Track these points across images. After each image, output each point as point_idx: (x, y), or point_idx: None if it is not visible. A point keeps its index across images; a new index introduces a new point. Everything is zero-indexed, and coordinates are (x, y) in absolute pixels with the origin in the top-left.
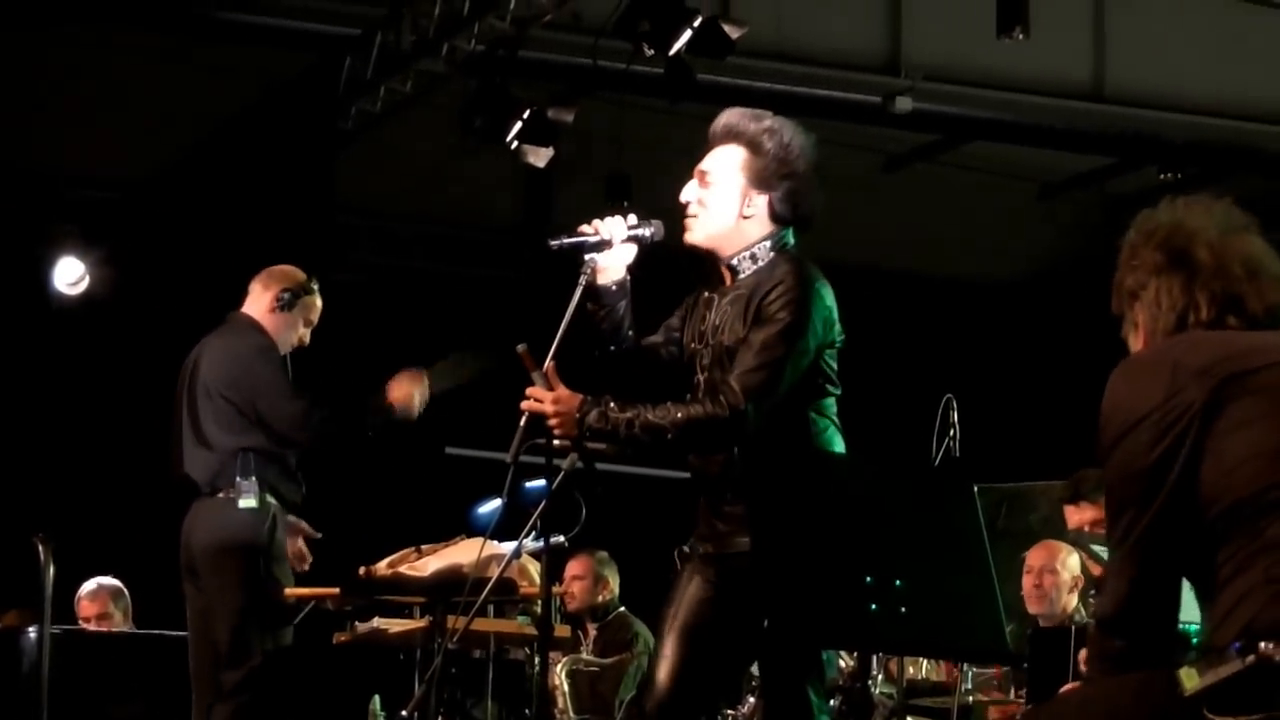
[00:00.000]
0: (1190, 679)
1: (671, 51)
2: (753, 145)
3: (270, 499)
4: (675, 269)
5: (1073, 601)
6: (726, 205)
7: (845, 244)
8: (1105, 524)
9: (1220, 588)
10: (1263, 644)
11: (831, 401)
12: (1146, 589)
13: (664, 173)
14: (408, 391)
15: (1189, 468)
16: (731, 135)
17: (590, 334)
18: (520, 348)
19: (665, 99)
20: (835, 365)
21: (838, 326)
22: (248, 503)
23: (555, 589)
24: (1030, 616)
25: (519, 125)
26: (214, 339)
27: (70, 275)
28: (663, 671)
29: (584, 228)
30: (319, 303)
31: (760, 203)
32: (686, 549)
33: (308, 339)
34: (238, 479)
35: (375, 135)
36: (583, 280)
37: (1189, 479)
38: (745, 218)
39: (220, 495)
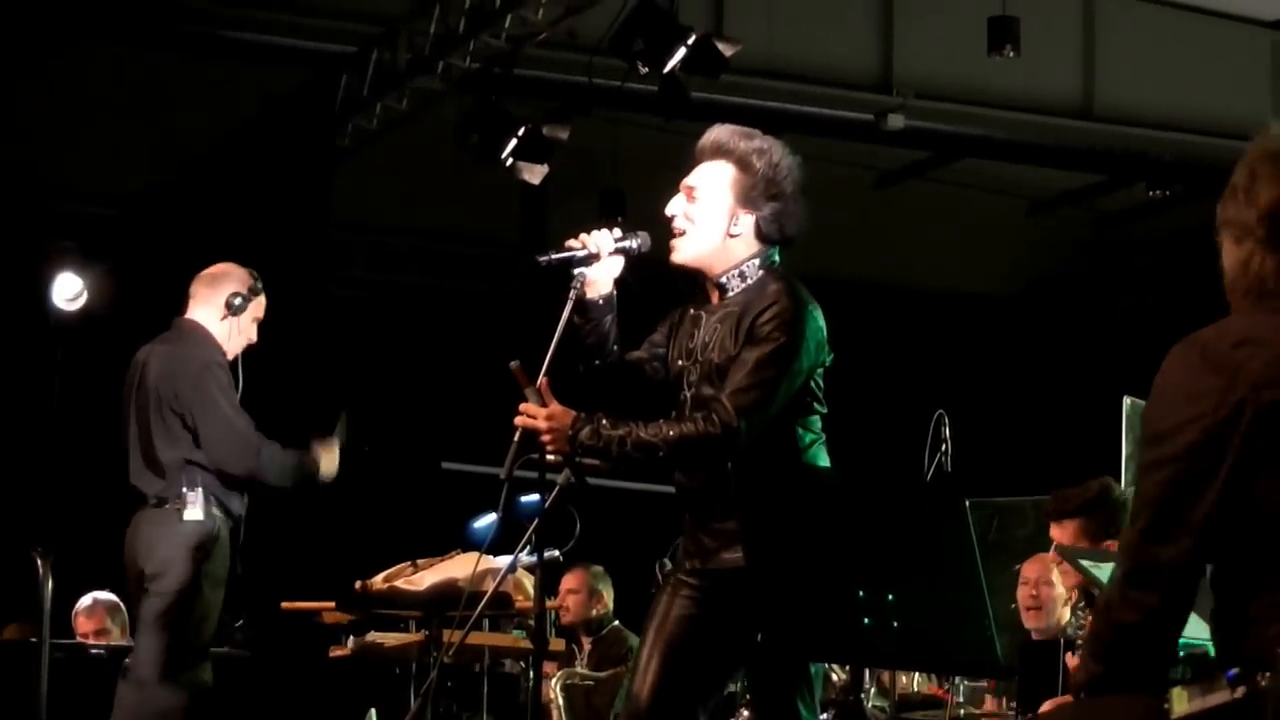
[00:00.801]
0: (1180, 701)
1: (666, 69)
2: (742, 163)
3: (216, 512)
4: (665, 282)
5: (1065, 614)
6: (713, 222)
7: (837, 259)
8: (1134, 509)
9: (1236, 607)
10: (1259, 675)
11: (818, 419)
12: (1179, 603)
13: (659, 189)
14: (330, 457)
15: (1232, 484)
16: (720, 152)
17: (576, 348)
18: (513, 364)
19: (660, 116)
20: (823, 384)
21: (827, 347)
22: (193, 515)
23: (550, 603)
24: (1021, 629)
25: (514, 142)
26: (160, 347)
27: (68, 291)
28: (642, 684)
29: (571, 242)
30: (264, 299)
31: (747, 221)
32: (669, 563)
33: (255, 336)
34: (184, 490)
35: (372, 152)
36: (572, 295)
37: (1231, 496)
38: (732, 236)
39: (167, 506)
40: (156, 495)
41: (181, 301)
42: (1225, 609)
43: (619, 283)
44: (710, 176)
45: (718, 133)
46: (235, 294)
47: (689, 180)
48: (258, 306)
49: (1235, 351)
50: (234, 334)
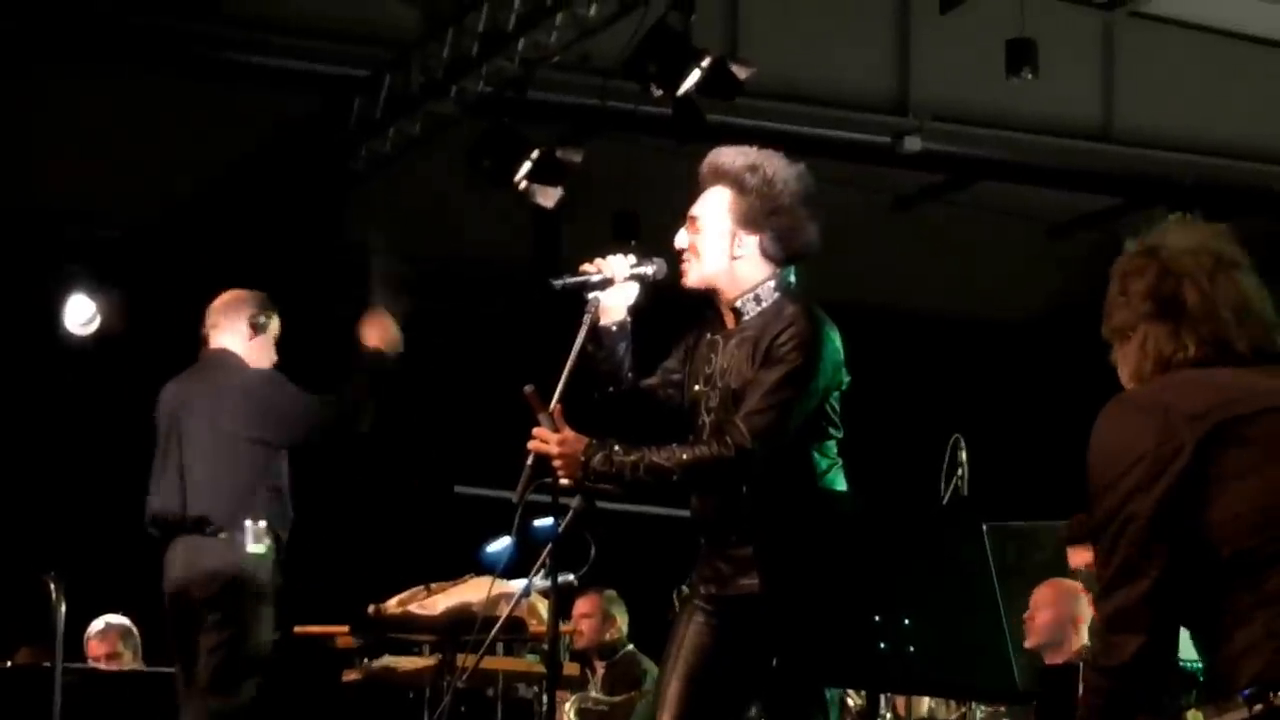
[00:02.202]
0: None
1: (680, 92)
2: (737, 184)
3: (269, 539)
4: (681, 308)
5: (1078, 640)
6: (716, 249)
7: (853, 283)
8: (1097, 565)
9: (1221, 638)
10: (1273, 694)
11: (834, 443)
12: (1161, 641)
13: (672, 212)
14: (382, 332)
15: (1186, 516)
16: (717, 176)
17: (591, 375)
18: (528, 388)
19: (674, 139)
20: (839, 408)
21: (845, 370)
22: (256, 548)
23: (564, 627)
24: (1037, 654)
25: (527, 166)
26: (197, 381)
27: (81, 315)
28: (663, 714)
29: (586, 266)
30: (278, 317)
31: (750, 243)
32: (685, 589)
33: (275, 355)
34: (247, 522)
35: (385, 176)
36: (587, 319)
37: (1189, 527)
38: (736, 259)
39: (223, 535)
40: (212, 523)
41: (199, 328)
42: (1209, 642)
43: (634, 310)
44: (710, 203)
45: (714, 156)
46: (256, 314)
47: (692, 210)
48: (276, 324)
49: (1162, 394)
50: (262, 352)
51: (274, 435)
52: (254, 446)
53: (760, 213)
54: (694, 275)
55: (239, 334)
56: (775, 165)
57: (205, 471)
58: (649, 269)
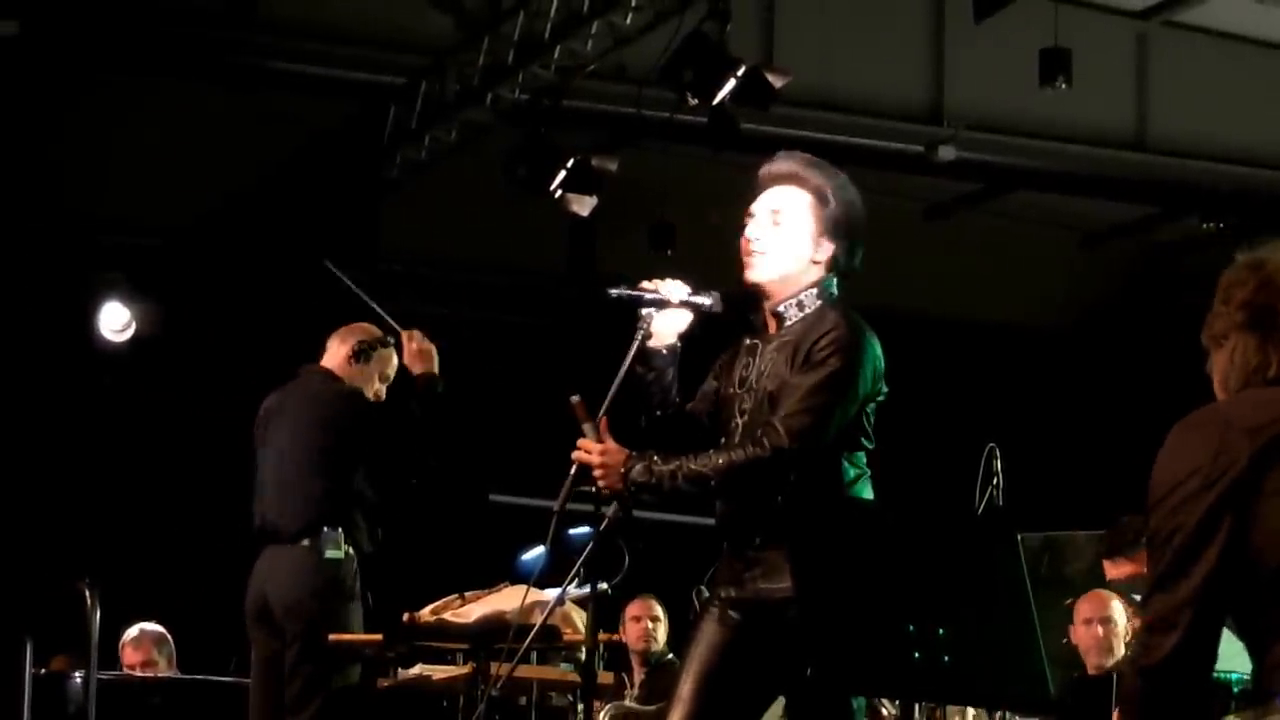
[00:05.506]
0: None
1: (715, 101)
2: (819, 194)
3: (348, 547)
4: (719, 333)
5: (1116, 652)
6: (797, 248)
7: (888, 291)
8: (1148, 569)
9: (1265, 648)
10: None
11: (864, 454)
12: (1197, 644)
13: (708, 221)
14: (421, 356)
15: (1236, 526)
16: (795, 179)
17: (638, 399)
18: (574, 399)
19: (709, 148)
20: (873, 419)
21: (883, 381)
22: (334, 554)
23: (602, 635)
24: (1071, 665)
25: (563, 174)
26: (289, 395)
27: (116, 322)
28: (676, 713)
29: (645, 284)
30: (395, 359)
31: (827, 250)
32: (705, 590)
33: (384, 394)
34: (325, 529)
35: (420, 184)
36: (639, 336)
37: (1237, 537)
38: (815, 262)
39: (305, 544)
40: (296, 532)
41: (234, 335)
42: (1257, 650)
43: (684, 337)
44: (792, 202)
45: (790, 161)
46: (361, 342)
47: (771, 203)
48: (385, 362)
49: (1225, 410)
50: (358, 382)
51: (353, 453)
52: (330, 457)
53: (842, 225)
54: (767, 269)
55: (340, 358)
56: (850, 185)
57: (288, 481)
58: (705, 300)
